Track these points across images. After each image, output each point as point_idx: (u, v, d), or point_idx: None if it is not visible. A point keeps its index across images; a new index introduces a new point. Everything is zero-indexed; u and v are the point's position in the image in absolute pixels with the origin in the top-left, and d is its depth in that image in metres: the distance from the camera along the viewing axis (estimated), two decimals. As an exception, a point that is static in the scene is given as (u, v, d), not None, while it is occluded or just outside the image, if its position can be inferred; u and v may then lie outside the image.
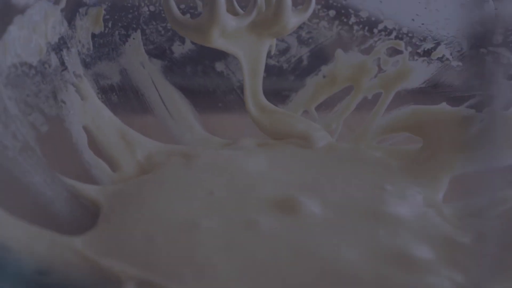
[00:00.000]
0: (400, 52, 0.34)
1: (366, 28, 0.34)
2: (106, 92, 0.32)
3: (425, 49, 0.33)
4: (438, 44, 0.33)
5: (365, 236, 0.25)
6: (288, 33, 0.32)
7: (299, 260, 0.23)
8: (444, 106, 0.32)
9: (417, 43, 0.33)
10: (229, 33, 0.29)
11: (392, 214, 0.26)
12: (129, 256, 0.22)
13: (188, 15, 0.33)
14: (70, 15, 0.30)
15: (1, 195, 0.22)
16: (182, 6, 0.33)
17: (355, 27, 0.35)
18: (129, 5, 0.33)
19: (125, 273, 0.20)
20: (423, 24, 0.33)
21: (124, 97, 0.33)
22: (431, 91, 0.33)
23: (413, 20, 0.33)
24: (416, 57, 0.33)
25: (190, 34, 0.30)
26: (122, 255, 0.22)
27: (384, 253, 0.24)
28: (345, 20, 0.35)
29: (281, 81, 0.36)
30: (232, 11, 0.30)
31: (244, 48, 0.31)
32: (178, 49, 0.35)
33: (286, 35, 0.34)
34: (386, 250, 0.24)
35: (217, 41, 0.30)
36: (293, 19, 0.31)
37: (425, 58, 0.33)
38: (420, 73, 0.33)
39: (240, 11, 0.30)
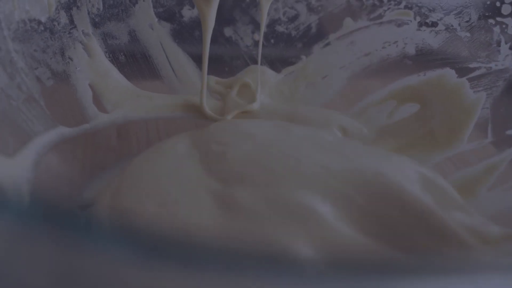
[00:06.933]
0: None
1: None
2: (114, 52, 0.32)
3: (434, 19, 0.32)
4: (447, 14, 0.32)
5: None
6: None
7: None
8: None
9: (426, 13, 0.33)
10: None
11: None
12: None
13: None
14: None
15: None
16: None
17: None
18: (140, -34, 0.33)
19: None
20: (433, -7, 0.32)
21: (131, 58, 0.33)
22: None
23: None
24: (424, 28, 0.33)
25: None
26: None
27: None
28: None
29: (289, 48, 0.36)
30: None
31: None
32: (187, 13, 0.35)
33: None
34: None
35: None
36: None
37: (433, 28, 0.33)
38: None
39: None
